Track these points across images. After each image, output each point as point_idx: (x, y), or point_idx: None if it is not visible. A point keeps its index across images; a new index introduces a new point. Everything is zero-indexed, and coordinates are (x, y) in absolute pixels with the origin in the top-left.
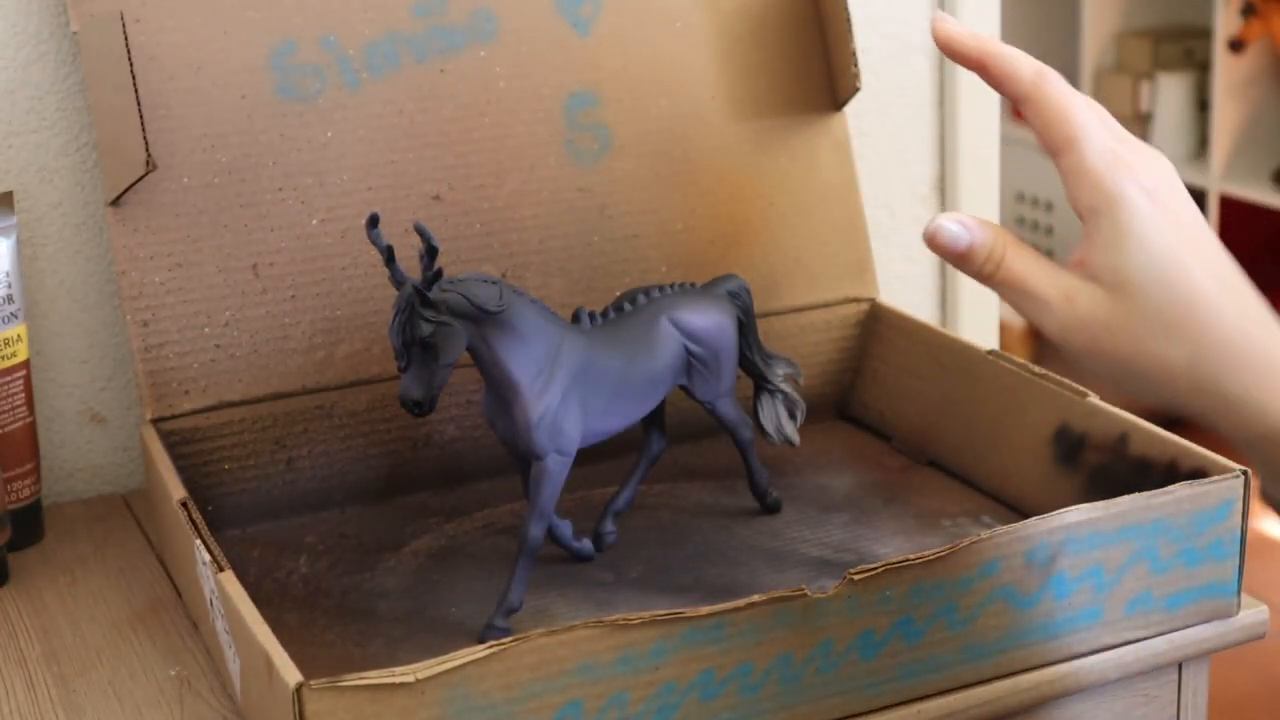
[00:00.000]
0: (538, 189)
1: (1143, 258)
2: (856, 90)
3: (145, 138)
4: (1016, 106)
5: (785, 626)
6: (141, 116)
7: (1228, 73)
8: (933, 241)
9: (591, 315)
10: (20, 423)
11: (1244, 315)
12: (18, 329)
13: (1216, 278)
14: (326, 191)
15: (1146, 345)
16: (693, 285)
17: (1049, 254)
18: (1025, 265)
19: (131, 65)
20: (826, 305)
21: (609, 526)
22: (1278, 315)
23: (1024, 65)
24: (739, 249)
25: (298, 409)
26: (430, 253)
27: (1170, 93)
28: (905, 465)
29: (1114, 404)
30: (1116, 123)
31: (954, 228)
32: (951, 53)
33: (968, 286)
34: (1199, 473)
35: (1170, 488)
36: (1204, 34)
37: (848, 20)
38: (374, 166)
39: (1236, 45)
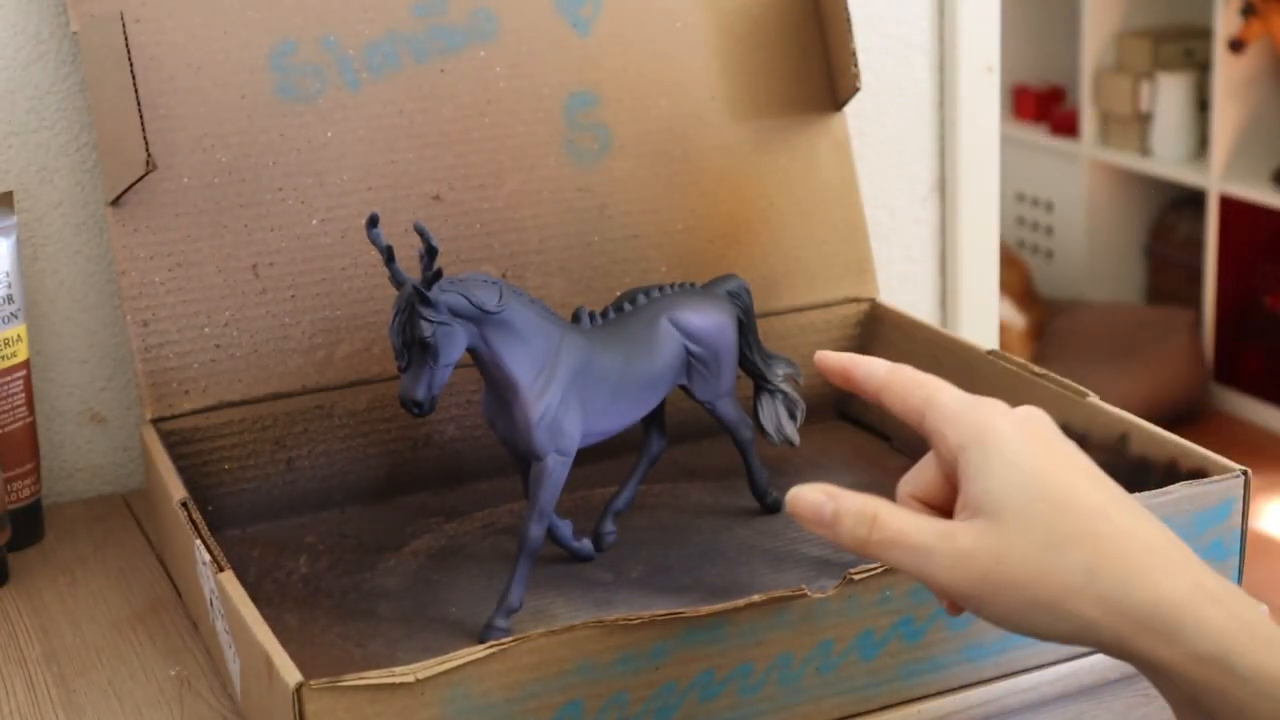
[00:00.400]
0: (538, 189)
1: (1018, 477)
2: (856, 90)
3: (145, 138)
4: (876, 399)
5: (785, 626)
6: (141, 116)
7: (1228, 73)
8: (793, 511)
9: (591, 315)
10: (20, 423)
11: (1136, 518)
12: (18, 329)
13: (1101, 487)
14: (326, 191)
15: (1040, 567)
16: (693, 285)
17: (1048, 254)
18: (901, 520)
19: (131, 65)
20: (826, 305)
21: (609, 526)
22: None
23: (879, 363)
24: (739, 249)
25: (298, 409)
26: (430, 253)
27: (1170, 93)
28: (905, 465)
29: (1113, 404)
30: None
31: (815, 496)
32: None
33: (967, 287)
34: (1199, 473)
35: (1170, 488)
36: (1204, 34)
37: (848, 20)
38: (374, 166)
39: (1236, 45)
